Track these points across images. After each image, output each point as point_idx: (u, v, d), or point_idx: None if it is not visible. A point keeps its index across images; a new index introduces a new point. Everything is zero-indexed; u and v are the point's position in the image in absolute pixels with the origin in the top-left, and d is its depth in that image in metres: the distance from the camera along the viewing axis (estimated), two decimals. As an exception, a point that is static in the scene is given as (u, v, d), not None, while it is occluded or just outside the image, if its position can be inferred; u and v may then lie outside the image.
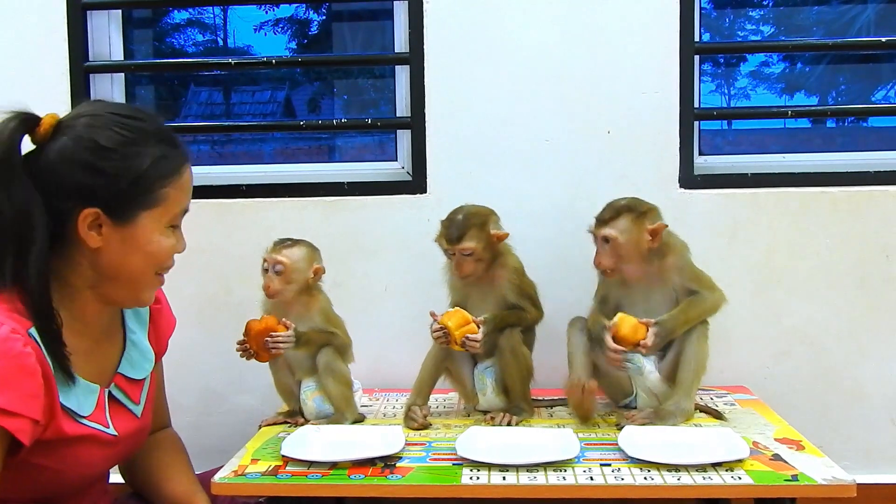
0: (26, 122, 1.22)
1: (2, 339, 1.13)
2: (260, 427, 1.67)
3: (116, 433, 1.32)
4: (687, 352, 1.64)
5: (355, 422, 1.67)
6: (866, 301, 1.96)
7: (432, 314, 1.63)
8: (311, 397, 1.69)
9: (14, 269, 1.19)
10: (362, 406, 1.76)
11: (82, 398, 1.27)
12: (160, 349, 1.49)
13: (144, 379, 1.43)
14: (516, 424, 1.62)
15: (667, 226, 1.67)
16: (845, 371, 1.98)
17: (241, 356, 1.63)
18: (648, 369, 1.65)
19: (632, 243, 1.65)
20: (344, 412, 1.66)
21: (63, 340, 1.22)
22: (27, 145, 1.23)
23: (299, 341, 1.63)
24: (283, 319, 1.62)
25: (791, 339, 1.98)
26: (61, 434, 1.22)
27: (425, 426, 1.62)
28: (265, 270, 1.66)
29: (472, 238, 1.65)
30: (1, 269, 1.19)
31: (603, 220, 1.67)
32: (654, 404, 1.66)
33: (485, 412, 1.69)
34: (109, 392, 1.34)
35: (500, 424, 1.61)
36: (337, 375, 1.66)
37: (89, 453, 1.27)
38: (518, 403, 1.67)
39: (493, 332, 1.65)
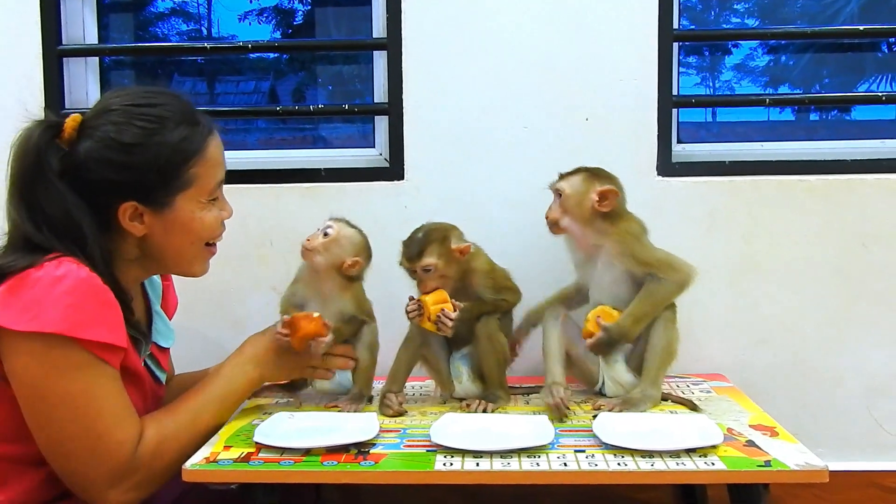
0: (50, 128, 1.30)
1: (85, 277, 1.22)
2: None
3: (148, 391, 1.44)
4: (653, 339, 1.64)
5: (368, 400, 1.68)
6: (843, 289, 1.97)
7: (411, 298, 1.63)
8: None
9: (84, 258, 1.26)
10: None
11: (142, 350, 1.42)
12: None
13: (169, 349, 1.56)
14: (492, 411, 1.61)
15: (618, 193, 1.67)
16: (822, 359, 1.98)
17: (279, 342, 1.60)
18: (614, 358, 1.65)
19: (577, 200, 1.67)
20: (362, 390, 1.67)
21: (131, 306, 1.33)
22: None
23: (335, 335, 1.63)
24: (326, 322, 1.60)
25: (768, 328, 1.98)
26: (125, 362, 1.32)
27: (401, 413, 1.61)
28: (319, 229, 1.66)
29: (431, 254, 1.62)
30: (72, 252, 1.26)
31: (561, 175, 1.72)
32: (621, 392, 1.66)
33: (461, 399, 1.68)
34: (145, 360, 1.44)
35: (475, 411, 1.61)
36: (362, 359, 1.68)
37: (133, 395, 1.35)
38: (494, 391, 1.66)
39: (469, 320, 1.64)
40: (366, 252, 1.70)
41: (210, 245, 1.45)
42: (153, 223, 1.34)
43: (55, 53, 2.00)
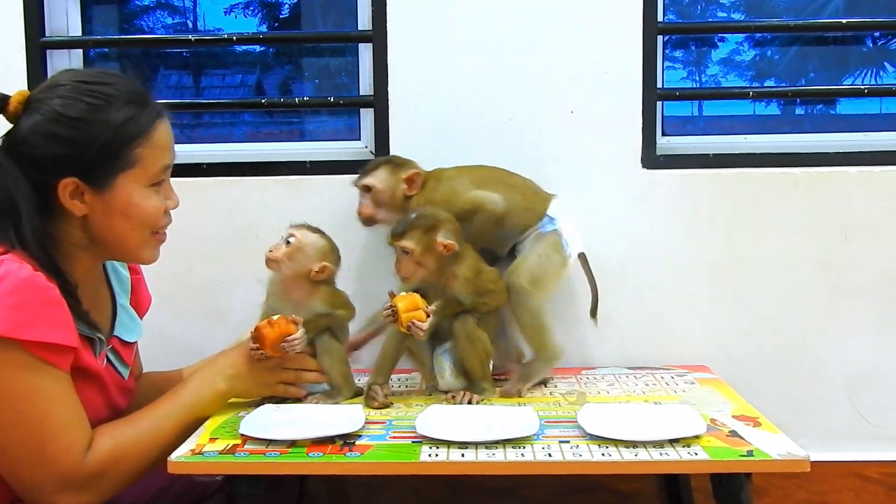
0: None
1: (26, 277, 1.20)
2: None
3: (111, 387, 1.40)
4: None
5: (352, 397, 1.66)
6: (826, 280, 1.98)
7: (391, 294, 1.62)
8: None
9: (16, 238, 1.24)
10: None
11: (96, 346, 1.37)
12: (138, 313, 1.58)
13: (135, 343, 1.53)
14: (477, 403, 1.62)
15: (421, 173, 1.77)
16: (804, 350, 2.00)
17: (256, 358, 1.58)
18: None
19: (390, 192, 1.78)
20: (341, 388, 1.65)
21: (77, 296, 1.29)
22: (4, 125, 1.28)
23: (308, 329, 1.60)
24: (291, 317, 1.58)
25: (751, 319, 2.00)
26: (78, 363, 1.28)
27: (386, 405, 1.61)
28: (282, 237, 1.65)
29: (412, 238, 1.62)
30: (6, 236, 1.24)
31: (363, 171, 1.81)
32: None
33: (446, 392, 1.69)
34: (107, 354, 1.41)
35: (460, 403, 1.61)
36: (333, 353, 1.65)
37: (92, 394, 1.34)
38: (479, 383, 1.66)
39: (445, 320, 1.64)
40: (332, 255, 1.67)
41: (156, 233, 1.41)
42: (94, 203, 1.30)
43: (38, 45, 1.99)
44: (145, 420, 1.37)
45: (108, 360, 1.43)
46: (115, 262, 1.55)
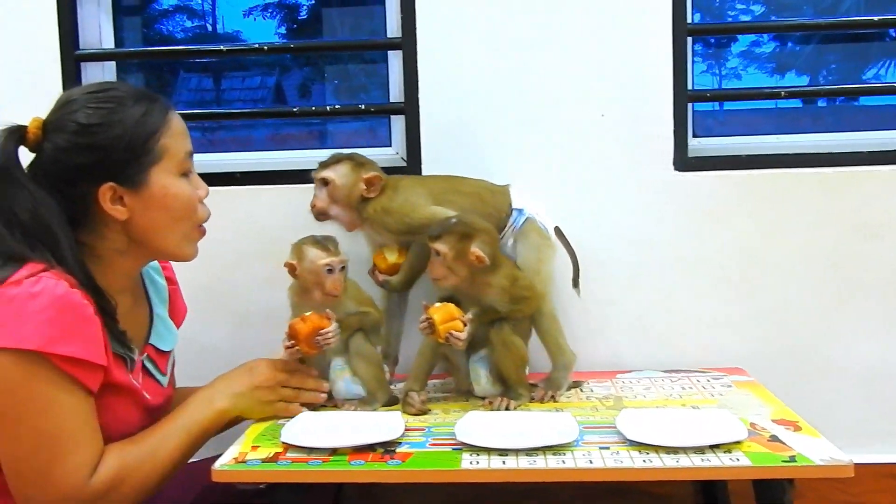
0: (15, 132, 1.31)
1: (62, 294, 1.21)
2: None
3: (149, 397, 1.42)
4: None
5: (388, 403, 1.67)
6: (857, 280, 1.97)
7: (425, 306, 1.62)
8: (340, 377, 1.68)
9: (54, 258, 1.26)
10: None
11: (129, 357, 1.38)
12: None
13: (170, 352, 1.54)
14: (514, 409, 1.62)
15: (381, 178, 1.77)
16: (841, 351, 1.98)
17: (291, 357, 1.63)
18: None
19: (348, 189, 1.77)
20: (376, 394, 1.66)
21: (114, 313, 1.31)
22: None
23: (341, 328, 1.62)
24: (326, 311, 1.60)
25: (784, 321, 1.98)
26: (110, 379, 1.29)
27: (424, 412, 1.62)
28: (329, 272, 1.64)
29: (445, 243, 1.62)
30: (44, 256, 1.25)
31: (322, 164, 1.80)
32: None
33: (482, 398, 1.69)
34: (143, 361, 1.43)
35: (498, 409, 1.61)
36: (367, 357, 1.67)
37: (126, 410, 1.36)
38: (515, 389, 1.67)
39: (481, 326, 1.64)
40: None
41: (196, 227, 1.45)
42: (133, 204, 1.33)
43: (73, 58, 2.01)
44: (148, 440, 1.36)
45: (145, 367, 1.45)
46: (151, 271, 1.58)
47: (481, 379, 1.69)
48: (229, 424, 1.55)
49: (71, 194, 1.30)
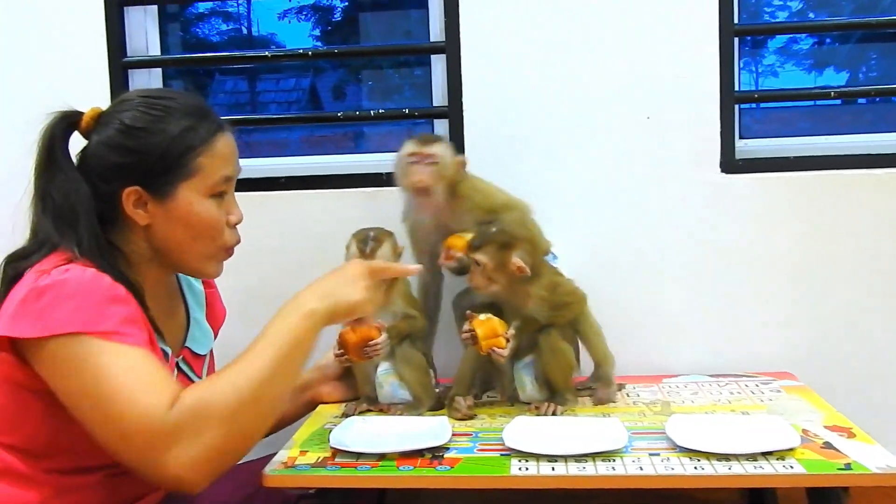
0: (67, 116, 1.36)
1: (91, 278, 1.22)
2: (345, 415, 1.66)
3: None
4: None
5: (433, 408, 1.67)
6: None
7: (469, 315, 1.62)
8: (387, 381, 1.69)
9: (76, 245, 1.27)
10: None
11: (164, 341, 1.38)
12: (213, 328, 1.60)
13: (206, 355, 1.53)
14: (561, 414, 1.61)
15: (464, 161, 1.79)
16: (889, 355, 1.95)
17: (341, 365, 1.67)
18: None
19: (449, 168, 1.75)
20: (422, 399, 1.67)
21: (143, 300, 1.30)
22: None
23: (390, 337, 1.63)
24: (376, 323, 1.59)
25: (834, 324, 1.96)
26: None
27: (470, 416, 1.62)
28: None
29: (486, 253, 1.61)
30: (69, 246, 1.27)
31: (426, 140, 1.78)
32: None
33: (527, 403, 1.68)
34: (178, 363, 1.43)
35: (544, 414, 1.61)
36: (413, 363, 1.68)
37: None
38: (562, 394, 1.66)
39: (527, 333, 1.65)
40: (394, 238, 1.72)
41: (222, 248, 1.42)
42: (156, 212, 1.34)
43: (120, 66, 2.05)
44: (234, 364, 1.25)
45: (180, 369, 1.46)
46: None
47: (526, 385, 1.68)
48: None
49: (102, 190, 1.32)
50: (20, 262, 1.29)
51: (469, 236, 1.65)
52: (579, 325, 1.71)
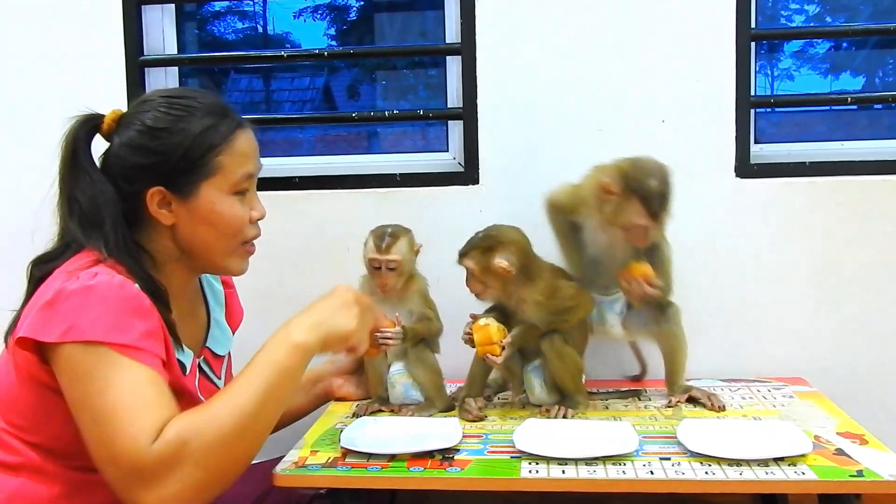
0: (89, 120, 1.36)
1: (118, 285, 1.23)
2: (355, 415, 1.67)
3: (204, 400, 1.37)
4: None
5: (445, 410, 1.68)
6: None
7: (472, 317, 1.64)
8: (399, 381, 1.70)
9: (107, 249, 1.28)
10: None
11: (184, 359, 1.37)
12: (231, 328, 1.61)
13: (225, 356, 1.54)
14: (571, 417, 1.61)
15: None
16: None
17: (351, 356, 1.66)
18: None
19: None
20: (434, 400, 1.68)
21: (168, 303, 1.31)
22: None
23: (406, 337, 1.64)
24: (394, 315, 1.63)
25: (849, 330, 1.95)
26: (173, 382, 1.28)
27: (480, 418, 1.62)
28: (377, 269, 1.68)
29: (471, 259, 1.63)
30: (97, 247, 1.28)
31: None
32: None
33: (539, 405, 1.68)
34: (199, 363, 1.44)
35: (555, 417, 1.61)
36: (427, 365, 1.69)
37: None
38: (573, 396, 1.66)
39: (531, 341, 1.66)
40: (412, 235, 1.73)
41: (244, 244, 1.43)
42: (180, 212, 1.34)
43: (137, 64, 2.06)
44: (220, 397, 1.24)
45: (201, 369, 1.46)
46: (209, 276, 1.59)
47: (535, 388, 1.68)
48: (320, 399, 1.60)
49: (126, 191, 1.33)
50: (47, 264, 1.31)
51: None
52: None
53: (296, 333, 1.28)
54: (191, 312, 1.48)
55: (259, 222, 1.45)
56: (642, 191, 1.58)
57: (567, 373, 1.65)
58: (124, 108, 1.39)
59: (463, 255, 1.64)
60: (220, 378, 1.52)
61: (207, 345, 1.51)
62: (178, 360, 1.36)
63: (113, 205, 1.31)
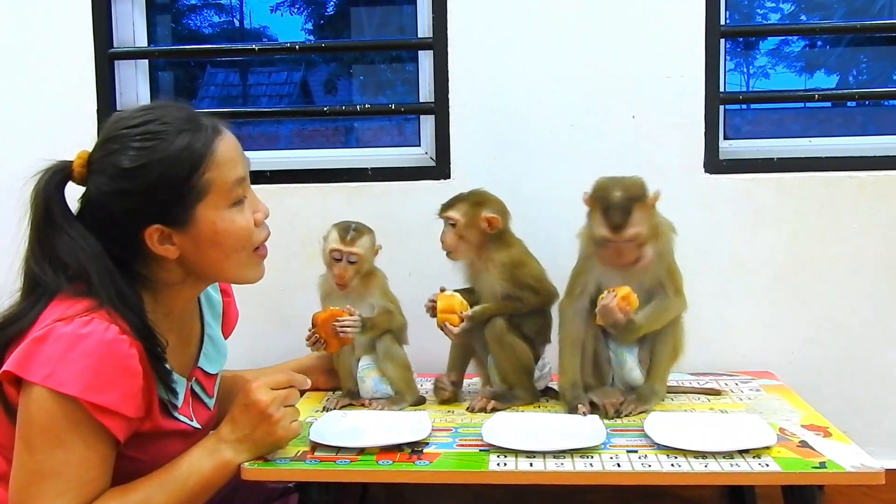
0: (58, 172, 1.28)
1: (110, 341, 1.18)
2: (325, 409, 1.67)
3: (199, 426, 1.38)
4: (660, 337, 1.67)
5: (415, 403, 1.69)
6: (893, 285, 1.95)
7: (441, 289, 1.67)
8: (369, 376, 1.71)
9: (99, 301, 1.22)
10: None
11: (178, 388, 1.34)
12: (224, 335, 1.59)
13: (217, 374, 1.50)
14: (489, 410, 1.61)
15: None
16: (871, 356, 1.97)
17: (313, 348, 1.67)
18: (630, 366, 1.66)
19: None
20: (404, 394, 1.69)
21: (163, 356, 1.26)
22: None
23: (365, 327, 1.64)
24: (347, 306, 1.65)
25: (816, 325, 1.97)
26: (157, 428, 1.28)
27: (453, 396, 1.67)
28: (336, 260, 1.67)
29: (458, 210, 1.67)
30: (99, 299, 1.22)
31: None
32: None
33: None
34: (191, 386, 1.40)
35: (471, 408, 1.64)
36: (396, 359, 1.70)
37: (174, 447, 1.32)
38: (513, 390, 1.67)
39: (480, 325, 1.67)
40: (375, 235, 1.73)
41: (256, 249, 1.37)
42: (183, 242, 1.28)
43: (107, 57, 2.04)
44: (141, 490, 1.25)
45: (193, 391, 1.43)
46: (208, 288, 1.53)
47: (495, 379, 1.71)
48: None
49: (119, 236, 1.26)
50: (10, 327, 1.24)
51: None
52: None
53: (223, 450, 1.32)
54: (186, 332, 1.44)
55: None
56: (603, 201, 1.56)
57: (508, 363, 1.67)
58: (90, 143, 1.31)
59: (449, 206, 1.68)
60: (211, 397, 1.48)
61: (199, 364, 1.46)
62: (170, 393, 1.31)
63: (99, 258, 1.24)
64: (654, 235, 1.59)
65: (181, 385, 1.36)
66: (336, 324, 1.61)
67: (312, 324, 1.65)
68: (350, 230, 1.68)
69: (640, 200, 1.55)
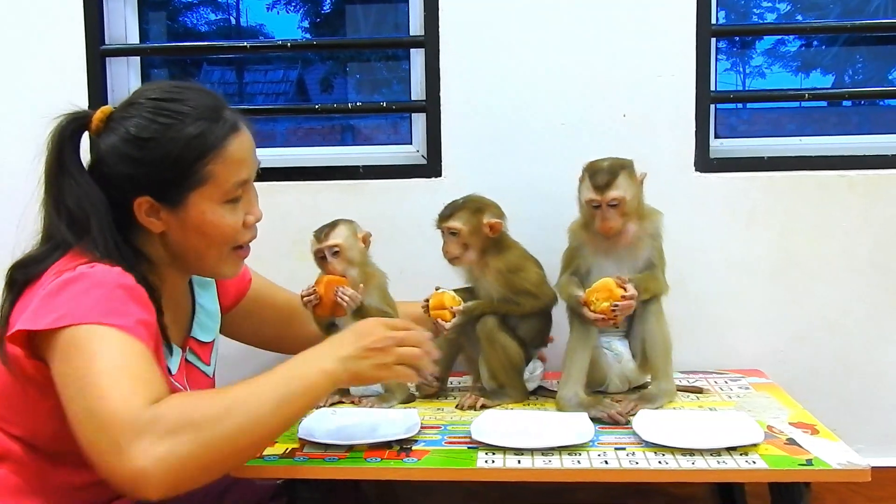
0: (76, 119, 1.32)
1: (117, 273, 1.21)
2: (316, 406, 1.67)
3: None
4: (649, 335, 1.65)
5: (405, 401, 1.69)
6: (883, 284, 1.96)
7: (436, 288, 1.67)
8: None
9: (99, 252, 1.25)
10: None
11: (171, 360, 1.36)
12: (227, 302, 1.63)
13: (213, 340, 1.52)
14: (479, 407, 1.63)
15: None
16: (862, 355, 1.97)
17: (305, 303, 1.64)
18: (627, 357, 1.67)
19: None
20: (394, 392, 1.69)
21: (160, 304, 1.28)
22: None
23: (359, 310, 1.63)
24: (356, 282, 1.65)
25: (807, 323, 1.98)
26: None
27: (438, 389, 1.70)
28: (322, 259, 1.68)
29: (460, 219, 1.66)
30: (90, 250, 1.25)
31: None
32: (624, 389, 1.69)
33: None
34: (186, 357, 1.42)
35: (461, 405, 1.64)
36: None
37: None
38: (502, 388, 1.68)
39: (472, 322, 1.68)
40: (356, 224, 1.72)
41: (238, 248, 1.39)
42: (169, 220, 1.31)
43: (98, 54, 2.04)
44: (236, 387, 1.18)
45: (188, 361, 1.45)
46: None
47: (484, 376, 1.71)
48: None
49: (115, 197, 1.29)
50: (30, 267, 1.26)
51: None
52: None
53: (327, 360, 1.24)
54: (179, 304, 1.46)
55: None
56: (592, 169, 1.63)
57: (497, 361, 1.67)
58: (107, 105, 1.36)
59: (449, 216, 1.67)
60: (209, 365, 1.51)
61: (192, 334, 1.48)
62: (168, 352, 1.35)
63: (102, 210, 1.28)
64: (640, 215, 1.64)
65: (176, 354, 1.39)
66: (339, 288, 1.61)
67: (316, 282, 1.64)
68: (324, 227, 1.69)
69: (627, 168, 1.62)
